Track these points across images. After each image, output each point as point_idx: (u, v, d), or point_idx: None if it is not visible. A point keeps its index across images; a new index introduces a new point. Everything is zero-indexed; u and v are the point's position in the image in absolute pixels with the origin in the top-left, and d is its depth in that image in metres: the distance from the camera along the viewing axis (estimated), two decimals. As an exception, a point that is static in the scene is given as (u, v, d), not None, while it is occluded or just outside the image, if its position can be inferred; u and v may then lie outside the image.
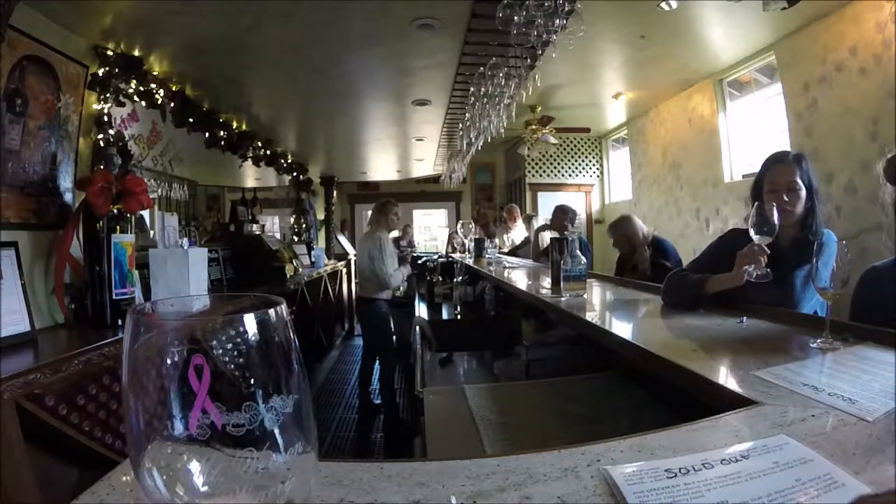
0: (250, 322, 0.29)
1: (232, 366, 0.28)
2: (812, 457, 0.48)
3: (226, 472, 0.27)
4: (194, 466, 0.27)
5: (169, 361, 0.27)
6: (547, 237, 3.67)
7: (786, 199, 1.37)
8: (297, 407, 0.29)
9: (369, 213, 8.08)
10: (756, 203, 1.21)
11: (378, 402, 3.72)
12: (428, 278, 4.28)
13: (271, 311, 0.30)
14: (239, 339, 0.28)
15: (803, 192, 1.38)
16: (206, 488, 0.27)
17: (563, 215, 3.74)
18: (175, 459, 0.27)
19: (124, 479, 0.47)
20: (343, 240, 6.94)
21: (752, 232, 1.19)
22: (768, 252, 1.20)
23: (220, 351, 0.28)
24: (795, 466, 0.46)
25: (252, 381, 0.28)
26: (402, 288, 3.88)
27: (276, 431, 0.28)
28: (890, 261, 1.26)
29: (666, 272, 2.80)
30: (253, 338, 0.29)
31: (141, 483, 0.28)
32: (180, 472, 0.27)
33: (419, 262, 4.87)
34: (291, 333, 0.31)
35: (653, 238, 3.14)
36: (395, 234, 4.92)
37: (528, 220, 4.93)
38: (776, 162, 1.45)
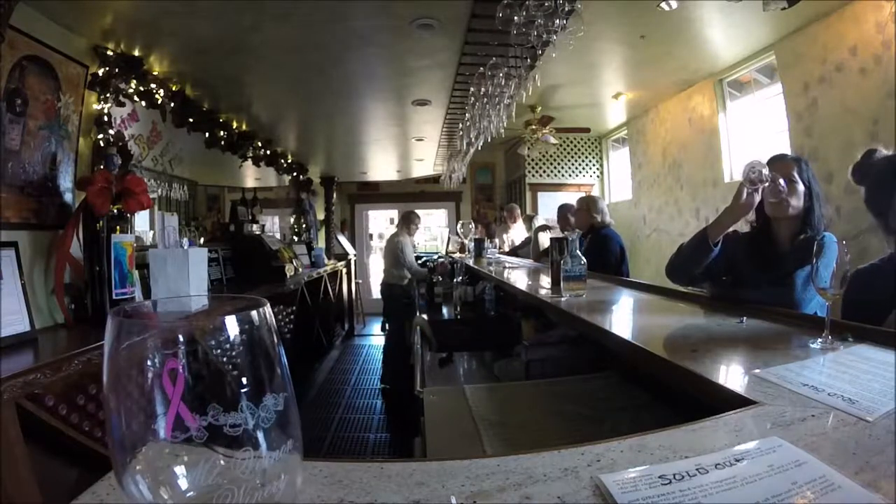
0: (232, 324, 0.28)
1: (214, 368, 0.28)
2: (806, 459, 0.48)
3: (210, 474, 0.27)
4: (179, 470, 0.27)
5: (149, 364, 0.27)
6: (545, 238, 3.70)
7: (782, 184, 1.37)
8: (281, 408, 0.29)
9: (369, 213, 8.26)
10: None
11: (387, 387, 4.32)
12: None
13: (253, 313, 0.29)
14: (221, 340, 0.28)
15: (801, 187, 1.38)
16: (191, 494, 0.27)
17: (563, 217, 3.76)
18: (158, 463, 0.27)
19: (124, 479, 0.47)
20: (343, 240, 6.93)
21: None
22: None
23: (203, 354, 0.28)
24: (790, 469, 0.46)
25: (234, 384, 0.28)
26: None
27: (261, 433, 0.28)
28: (871, 264, 1.27)
29: (602, 263, 2.84)
30: (235, 339, 0.28)
31: (125, 490, 0.27)
32: (164, 477, 0.27)
33: (419, 261, 4.92)
34: (275, 336, 0.30)
35: (606, 228, 3.16)
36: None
37: (528, 220, 4.94)
38: (774, 161, 1.46)
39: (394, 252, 4.74)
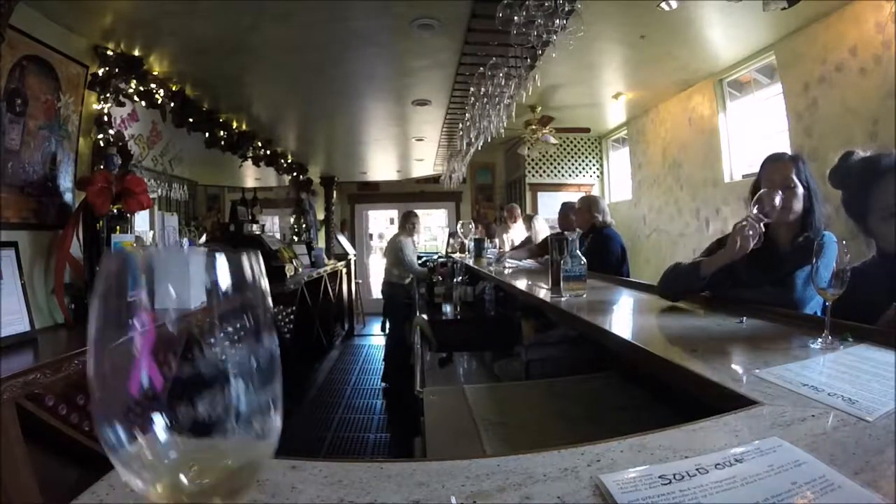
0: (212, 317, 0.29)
1: (196, 358, 0.28)
2: (806, 459, 0.48)
3: (189, 457, 0.28)
4: (158, 419, 0.28)
5: (132, 351, 0.27)
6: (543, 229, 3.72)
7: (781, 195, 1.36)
8: (258, 398, 0.29)
9: (369, 213, 8.26)
10: (760, 191, 1.29)
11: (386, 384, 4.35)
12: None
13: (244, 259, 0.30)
14: (201, 332, 0.28)
15: (800, 190, 1.38)
16: (176, 442, 0.28)
17: (565, 216, 3.76)
18: (143, 450, 0.27)
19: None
20: (343, 240, 6.93)
21: (753, 210, 1.25)
22: (763, 225, 1.26)
23: (184, 341, 0.28)
24: (790, 469, 0.46)
25: (217, 371, 0.28)
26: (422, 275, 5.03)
27: (234, 421, 0.28)
28: (853, 268, 1.27)
29: (603, 263, 2.83)
30: (217, 333, 0.29)
31: (104, 437, 0.28)
32: (149, 464, 0.28)
33: (419, 261, 4.94)
34: (262, 288, 0.31)
35: (607, 228, 3.17)
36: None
37: (528, 219, 4.94)
38: (772, 161, 1.46)
39: (395, 252, 4.82)
